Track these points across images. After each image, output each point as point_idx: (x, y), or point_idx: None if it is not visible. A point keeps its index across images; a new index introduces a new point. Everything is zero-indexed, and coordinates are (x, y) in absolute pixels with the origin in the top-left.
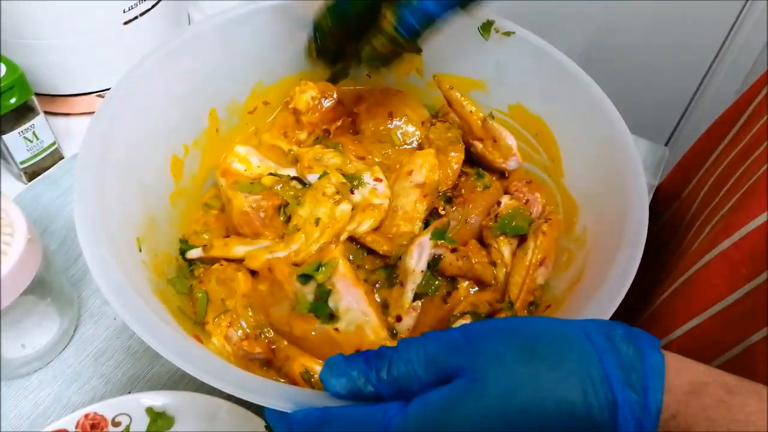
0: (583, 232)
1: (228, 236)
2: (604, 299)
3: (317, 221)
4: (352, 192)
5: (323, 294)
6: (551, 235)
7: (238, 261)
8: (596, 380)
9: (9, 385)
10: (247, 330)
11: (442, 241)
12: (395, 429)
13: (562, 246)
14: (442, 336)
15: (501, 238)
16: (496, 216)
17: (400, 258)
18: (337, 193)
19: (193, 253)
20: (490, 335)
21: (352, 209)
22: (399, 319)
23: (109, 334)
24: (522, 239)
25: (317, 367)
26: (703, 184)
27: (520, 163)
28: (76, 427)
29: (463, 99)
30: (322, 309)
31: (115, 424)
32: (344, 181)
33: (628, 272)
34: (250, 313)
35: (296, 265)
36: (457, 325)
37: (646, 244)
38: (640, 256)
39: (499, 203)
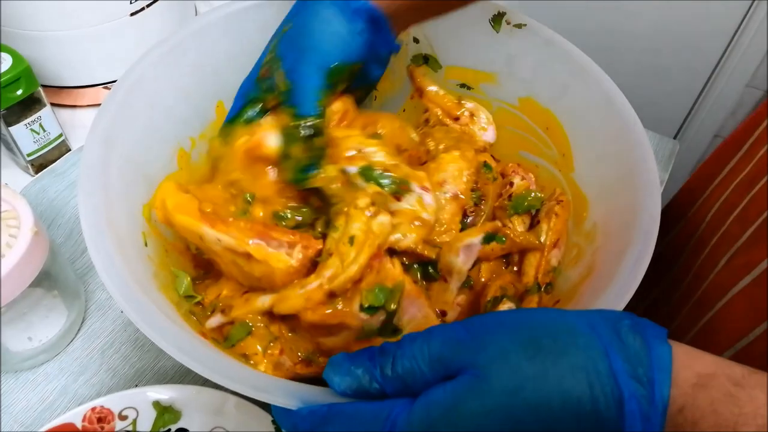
0: (594, 227)
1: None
2: (614, 295)
3: (351, 240)
4: (398, 199)
5: (391, 317)
6: (563, 217)
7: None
8: (602, 374)
9: (16, 377)
10: (299, 354)
11: (494, 242)
12: (401, 426)
13: (572, 241)
14: (446, 331)
15: (515, 217)
16: (509, 196)
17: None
18: (373, 204)
19: (213, 322)
20: (494, 330)
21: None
22: (444, 314)
23: (116, 327)
24: (532, 222)
25: None
26: (711, 205)
27: (495, 135)
28: (83, 420)
29: (431, 84)
30: (388, 330)
31: (122, 417)
32: (379, 190)
33: (639, 268)
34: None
35: (333, 294)
36: (501, 309)
37: (655, 256)
38: (651, 252)
39: (511, 184)
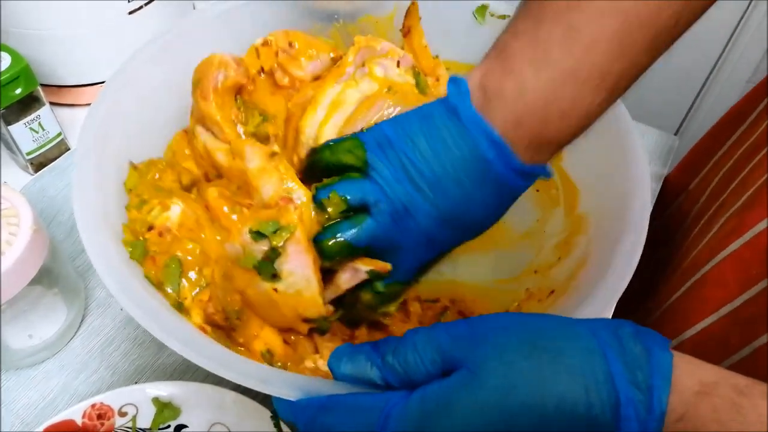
0: (585, 216)
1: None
2: (610, 284)
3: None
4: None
5: (274, 256)
6: None
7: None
8: (599, 377)
9: (17, 375)
10: (223, 302)
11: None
12: (394, 420)
13: (564, 229)
14: (449, 327)
15: None
16: None
17: None
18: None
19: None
20: (494, 329)
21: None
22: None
23: (116, 325)
24: None
25: (277, 348)
26: (711, 178)
27: None
28: (83, 417)
29: (421, 32)
30: (267, 269)
31: (122, 414)
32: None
33: (633, 257)
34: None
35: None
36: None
37: (652, 232)
38: (644, 241)
39: None
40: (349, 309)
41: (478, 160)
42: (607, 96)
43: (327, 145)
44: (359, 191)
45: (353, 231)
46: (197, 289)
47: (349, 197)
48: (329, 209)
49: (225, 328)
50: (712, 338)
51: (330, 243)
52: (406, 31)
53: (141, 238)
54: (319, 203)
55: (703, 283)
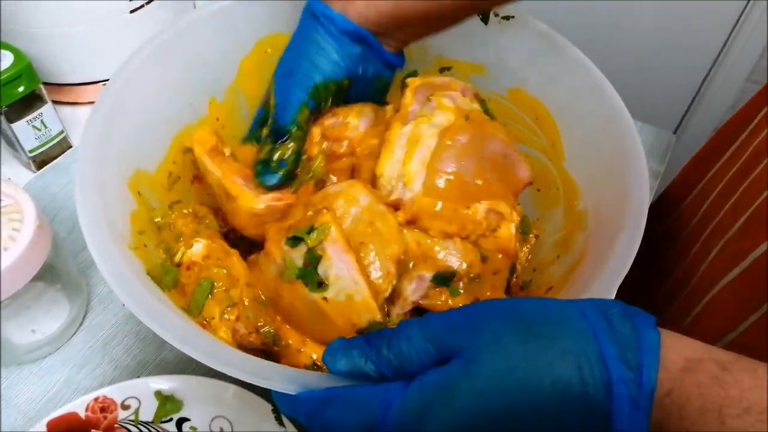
0: (584, 214)
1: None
2: (607, 279)
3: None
4: None
5: (313, 260)
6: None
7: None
8: (591, 358)
9: (20, 370)
10: (258, 323)
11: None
12: (395, 410)
13: (564, 227)
14: (442, 316)
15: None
16: None
17: None
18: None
19: (197, 248)
20: (488, 315)
21: None
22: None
23: (118, 320)
24: None
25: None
26: (706, 195)
27: None
28: (87, 410)
29: None
30: (311, 276)
31: (125, 407)
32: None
33: (630, 252)
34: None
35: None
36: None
37: (649, 245)
38: (641, 237)
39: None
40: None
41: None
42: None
43: None
44: None
45: None
46: (226, 308)
47: None
48: None
49: (264, 351)
50: None
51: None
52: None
53: (168, 264)
54: None
55: (705, 314)
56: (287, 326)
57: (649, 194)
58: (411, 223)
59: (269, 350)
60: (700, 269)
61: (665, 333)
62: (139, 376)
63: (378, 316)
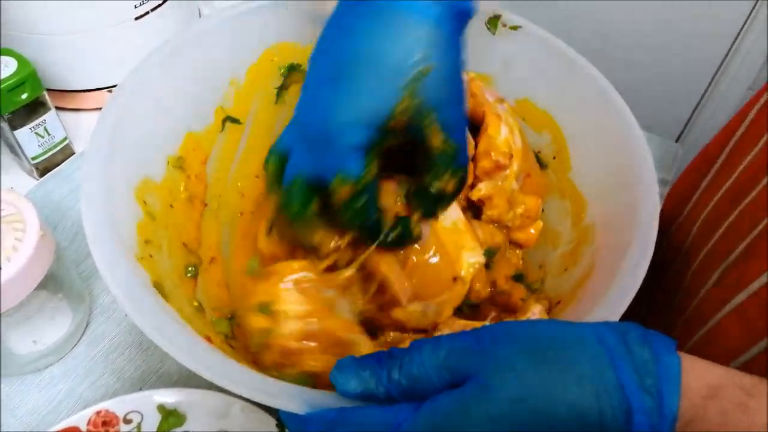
0: (592, 226)
1: None
2: (617, 294)
3: None
4: None
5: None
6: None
7: None
8: (609, 385)
9: (21, 380)
10: None
11: None
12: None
13: (570, 241)
14: (455, 339)
15: None
16: None
17: None
18: None
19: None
20: (502, 339)
21: None
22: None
23: (120, 330)
24: None
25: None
26: (700, 211)
27: None
28: (88, 424)
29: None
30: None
31: (127, 421)
32: None
33: (641, 267)
34: None
35: None
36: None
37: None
38: (652, 251)
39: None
40: None
41: None
42: None
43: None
44: None
45: None
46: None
47: None
48: None
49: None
50: None
51: None
52: None
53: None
54: None
55: (709, 340)
56: None
57: (658, 206)
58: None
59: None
60: (700, 293)
61: (685, 357)
62: (141, 388)
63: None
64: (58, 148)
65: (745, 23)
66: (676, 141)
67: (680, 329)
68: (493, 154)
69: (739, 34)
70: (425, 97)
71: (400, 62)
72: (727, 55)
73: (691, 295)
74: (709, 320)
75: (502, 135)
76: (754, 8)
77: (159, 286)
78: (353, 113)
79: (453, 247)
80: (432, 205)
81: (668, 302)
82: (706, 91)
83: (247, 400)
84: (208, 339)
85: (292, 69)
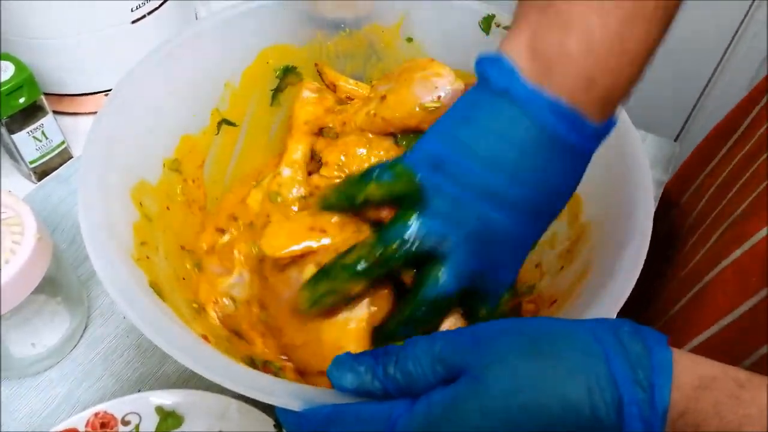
0: (588, 225)
1: None
2: (613, 293)
3: None
4: None
5: None
6: None
7: None
8: (601, 378)
9: (20, 383)
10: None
11: None
12: (401, 427)
13: (567, 239)
14: (449, 335)
15: None
16: None
17: None
18: None
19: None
20: (495, 335)
21: None
22: None
23: (119, 333)
24: None
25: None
26: (707, 189)
27: None
28: (86, 426)
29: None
30: None
31: (125, 422)
32: None
33: (636, 265)
34: None
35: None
36: None
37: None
38: (647, 248)
39: None
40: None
41: (550, 139)
42: (665, 27)
43: (370, 179)
44: (419, 240)
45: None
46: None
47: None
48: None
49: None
50: (715, 348)
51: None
52: (333, 87)
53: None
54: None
55: (705, 293)
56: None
57: (653, 207)
58: None
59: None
60: (700, 253)
61: (677, 352)
62: (140, 390)
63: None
64: (56, 151)
65: (742, 22)
66: (675, 140)
67: (676, 287)
68: None
69: (736, 33)
70: None
71: None
72: (725, 54)
73: (691, 257)
74: (706, 274)
75: None
76: (751, 7)
77: (156, 287)
78: None
79: None
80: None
81: (667, 269)
82: (704, 90)
83: (245, 400)
84: (206, 339)
85: (287, 71)
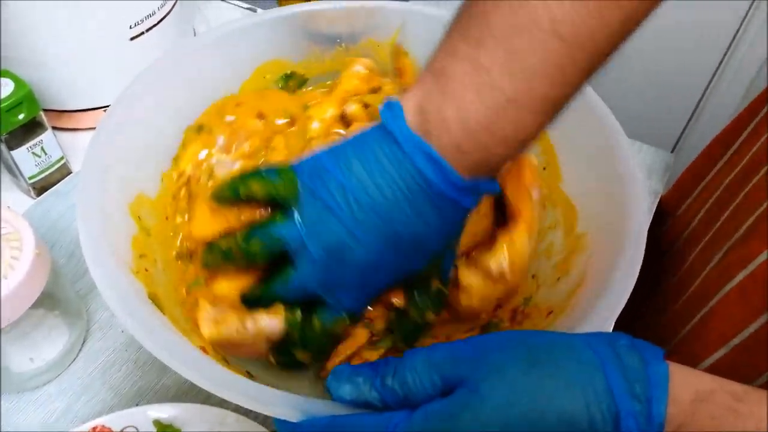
0: (584, 236)
1: None
2: (608, 304)
3: None
4: None
5: None
6: None
7: None
8: (599, 390)
9: (19, 398)
10: None
11: None
12: None
13: (562, 250)
14: (448, 347)
15: None
16: None
17: None
18: None
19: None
20: (493, 347)
21: None
22: None
23: (117, 347)
24: None
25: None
26: (702, 203)
27: None
28: None
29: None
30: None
31: None
32: None
33: (630, 276)
34: None
35: None
36: None
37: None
38: (641, 259)
39: None
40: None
41: (418, 179)
42: (546, 119)
43: (256, 175)
44: (278, 240)
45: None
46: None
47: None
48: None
49: None
50: (725, 372)
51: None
52: (399, 73)
53: None
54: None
55: (712, 316)
56: None
57: (648, 218)
58: None
59: None
60: (702, 274)
61: (674, 366)
62: (138, 404)
63: None
64: (55, 167)
65: (737, 33)
66: (672, 151)
67: (679, 310)
68: (493, 265)
69: (732, 42)
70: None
71: None
72: (720, 64)
73: (693, 275)
74: (711, 299)
75: (517, 247)
76: (746, 16)
77: (155, 299)
78: None
79: None
80: (411, 333)
81: (666, 285)
82: (700, 101)
83: (243, 412)
84: (204, 350)
85: (288, 78)
